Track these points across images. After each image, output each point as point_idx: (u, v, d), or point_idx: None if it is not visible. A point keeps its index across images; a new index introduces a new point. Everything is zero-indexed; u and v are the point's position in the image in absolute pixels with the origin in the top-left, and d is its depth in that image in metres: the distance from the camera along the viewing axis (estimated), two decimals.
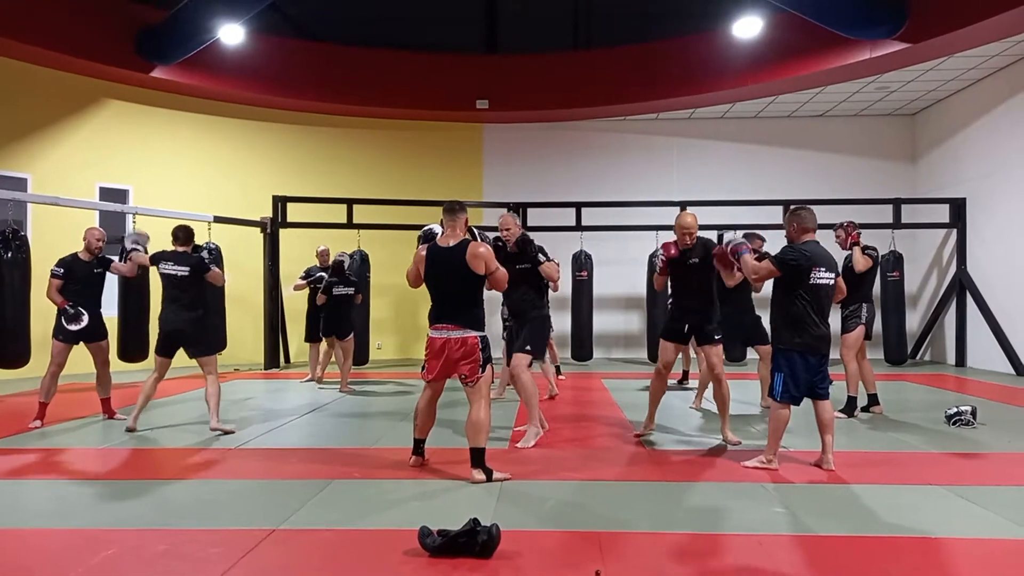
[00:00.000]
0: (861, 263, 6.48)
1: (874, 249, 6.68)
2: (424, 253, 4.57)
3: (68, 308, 6.08)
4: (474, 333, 4.42)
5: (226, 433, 5.79)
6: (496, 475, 4.35)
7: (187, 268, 5.87)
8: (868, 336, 6.66)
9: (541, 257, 5.49)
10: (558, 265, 6.03)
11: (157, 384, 6.00)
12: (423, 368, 4.59)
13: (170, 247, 6.00)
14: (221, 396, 6.01)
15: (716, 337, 5.44)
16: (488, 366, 4.46)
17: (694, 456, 5.09)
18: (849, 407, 6.55)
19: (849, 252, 6.63)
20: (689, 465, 4.84)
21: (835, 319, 6.76)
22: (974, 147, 11.09)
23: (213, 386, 5.88)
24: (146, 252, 6.39)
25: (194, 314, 5.88)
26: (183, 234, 6.00)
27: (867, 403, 6.71)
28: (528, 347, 5.47)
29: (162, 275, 5.90)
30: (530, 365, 5.54)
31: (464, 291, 4.45)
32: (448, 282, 4.48)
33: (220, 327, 9.86)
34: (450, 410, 6.27)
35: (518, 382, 5.42)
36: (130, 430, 5.86)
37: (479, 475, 4.32)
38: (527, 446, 5.27)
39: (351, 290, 8.58)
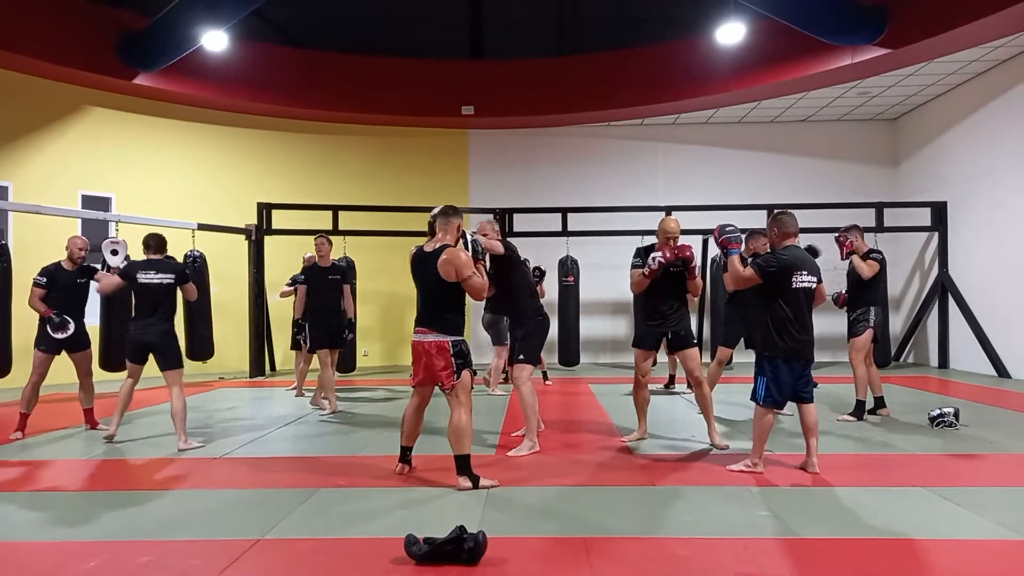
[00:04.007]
0: (865, 270, 6.47)
1: (879, 252, 6.65)
2: (412, 255, 4.62)
3: (54, 316, 5.96)
4: (447, 338, 4.40)
5: (195, 448, 5.56)
6: (483, 482, 4.33)
7: (172, 276, 5.72)
8: (876, 339, 6.62)
9: (479, 238, 5.00)
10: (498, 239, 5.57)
11: (133, 390, 5.85)
12: (411, 374, 4.61)
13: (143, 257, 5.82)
14: (204, 407, 5.92)
15: (692, 341, 5.50)
16: (465, 372, 4.43)
17: (680, 461, 5.11)
18: (858, 410, 6.51)
19: (847, 260, 6.60)
20: (675, 470, 4.85)
21: (842, 323, 6.78)
22: (955, 151, 11.23)
23: (179, 401, 5.60)
24: (127, 258, 6.21)
25: (167, 326, 5.70)
26: (155, 242, 5.81)
27: (874, 406, 6.70)
28: (521, 356, 5.48)
29: (142, 285, 5.65)
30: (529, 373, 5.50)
31: (440, 296, 4.45)
32: (425, 286, 4.51)
33: (207, 335, 9.80)
34: (437, 418, 6.25)
35: (517, 393, 5.45)
36: (109, 438, 5.78)
37: (465, 482, 4.31)
38: (519, 455, 5.27)
39: None
